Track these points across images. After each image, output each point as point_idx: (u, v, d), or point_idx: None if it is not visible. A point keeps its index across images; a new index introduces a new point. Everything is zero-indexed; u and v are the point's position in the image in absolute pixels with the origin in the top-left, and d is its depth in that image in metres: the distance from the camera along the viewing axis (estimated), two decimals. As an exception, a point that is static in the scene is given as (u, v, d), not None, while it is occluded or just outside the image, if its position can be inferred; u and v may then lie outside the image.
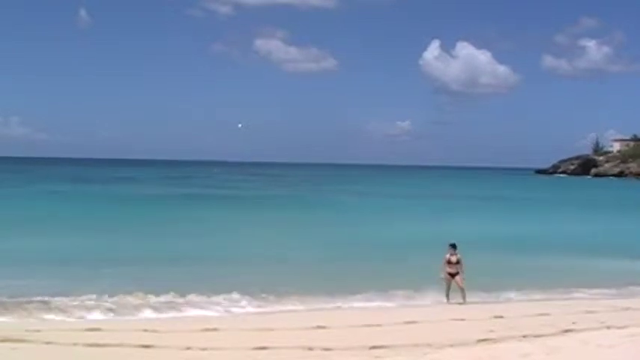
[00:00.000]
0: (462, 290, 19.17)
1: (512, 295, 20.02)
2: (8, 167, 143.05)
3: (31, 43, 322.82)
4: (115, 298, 17.59)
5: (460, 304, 18.75)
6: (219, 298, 18.04)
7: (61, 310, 16.47)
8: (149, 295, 17.97)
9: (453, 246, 19.53)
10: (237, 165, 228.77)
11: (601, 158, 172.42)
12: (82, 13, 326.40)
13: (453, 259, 19.27)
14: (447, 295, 19.26)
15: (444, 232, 24.46)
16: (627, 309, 17.82)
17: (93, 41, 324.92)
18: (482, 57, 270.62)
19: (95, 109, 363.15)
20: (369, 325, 15.54)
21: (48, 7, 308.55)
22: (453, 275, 19.27)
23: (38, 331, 14.51)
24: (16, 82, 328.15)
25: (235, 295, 18.34)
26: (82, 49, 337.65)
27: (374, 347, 12.98)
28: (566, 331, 14.66)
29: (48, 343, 13.39)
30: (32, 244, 27.76)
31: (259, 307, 17.73)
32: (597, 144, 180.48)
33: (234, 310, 17.35)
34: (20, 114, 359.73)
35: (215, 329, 15.06)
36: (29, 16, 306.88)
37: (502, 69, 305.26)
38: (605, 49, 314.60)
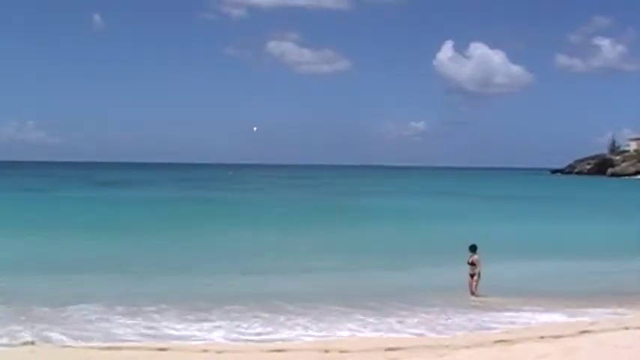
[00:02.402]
0: (473, 292, 19.28)
1: (530, 296, 19.80)
2: (23, 172, 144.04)
3: (46, 48, 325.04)
4: (131, 306, 17.46)
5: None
6: (236, 307, 17.68)
7: (75, 313, 16.46)
8: (163, 304, 17.74)
9: (471, 248, 19.62)
10: (251, 167, 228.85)
11: (617, 158, 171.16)
12: (96, 17, 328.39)
13: (469, 260, 19.44)
14: (472, 293, 19.34)
15: (469, 235, 24.12)
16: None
17: (107, 45, 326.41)
18: (496, 57, 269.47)
19: (108, 113, 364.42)
20: (384, 327, 15.53)
21: (62, 12, 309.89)
22: (472, 276, 19.41)
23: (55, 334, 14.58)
24: (30, 86, 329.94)
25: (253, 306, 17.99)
26: (96, 53, 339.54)
27: (390, 349, 12.95)
28: (584, 332, 14.56)
29: (64, 346, 13.47)
30: (45, 249, 27.85)
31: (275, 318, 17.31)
32: (614, 143, 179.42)
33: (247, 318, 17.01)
34: (35, 118, 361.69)
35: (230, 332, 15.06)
36: (44, 20, 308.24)
37: (516, 69, 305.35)
38: (620, 47, 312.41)
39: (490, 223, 41.81)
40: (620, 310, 17.45)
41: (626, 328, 14.79)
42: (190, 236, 34.25)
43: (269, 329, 15.32)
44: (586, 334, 14.24)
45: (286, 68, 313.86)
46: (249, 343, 14.13)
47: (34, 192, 72.61)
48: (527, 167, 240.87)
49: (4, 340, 13.83)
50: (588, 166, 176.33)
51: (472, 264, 19.43)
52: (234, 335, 14.80)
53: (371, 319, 16.24)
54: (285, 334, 14.97)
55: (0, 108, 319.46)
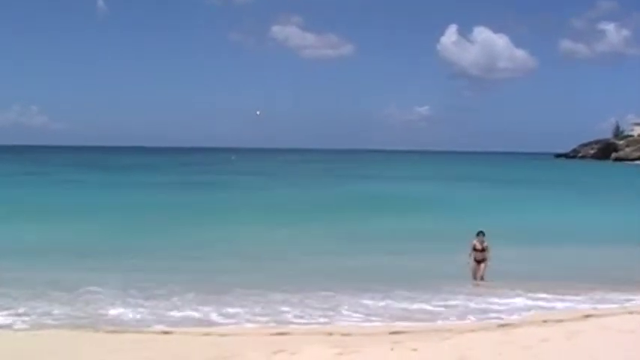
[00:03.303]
0: (481, 276, 19.28)
1: (533, 281, 19.77)
2: (26, 156, 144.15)
3: (49, 33, 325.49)
4: (137, 290, 17.51)
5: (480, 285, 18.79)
6: (236, 290, 17.71)
7: (78, 298, 16.51)
8: (169, 288, 17.76)
9: (481, 233, 19.60)
10: (254, 152, 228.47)
11: (621, 142, 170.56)
12: (100, 3, 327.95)
13: (479, 246, 19.39)
14: (474, 278, 19.35)
15: (476, 220, 24.09)
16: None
17: (110, 31, 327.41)
18: (500, 41, 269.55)
19: (111, 98, 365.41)
20: (388, 312, 15.56)
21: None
22: (479, 262, 19.40)
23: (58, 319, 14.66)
24: (34, 71, 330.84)
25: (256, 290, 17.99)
26: (100, 39, 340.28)
27: (394, 332, 12.99)
28: (587, 316, 14.59)
29: (72, 329, 13.52)
30: (49, 234, 27.86)
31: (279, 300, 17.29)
32: (617, 128, 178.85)
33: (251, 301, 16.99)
34: (38, 103, 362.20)
35: (234, 316, 15.11)
36: (47, 6, 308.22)
37: (520, 53, 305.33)
38: (624, 32, 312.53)
39: (495, 209, 41.71)
40: (623, 295, 17.45)
41: (630, 313, 14.82)
42: (196, 221, 34.16)
43: (273, 313, 15.35)
44: (589, 319, 14.26)
45: (290, 52, 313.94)
46: (253, 327, 14.17)
47: (36, 176, 72.69)
48: (530, 152, 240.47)
49: (10, 324, 13.94)
50: (592, 151, 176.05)
51: (482, 250, 19.40)
52: (238, 319, 14.84)
53: (375, 303, 16.26)
54: (288, 317, 15.01)
55: (3, 92, 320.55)
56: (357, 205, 44.69)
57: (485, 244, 19.45)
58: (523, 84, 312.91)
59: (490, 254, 19.38)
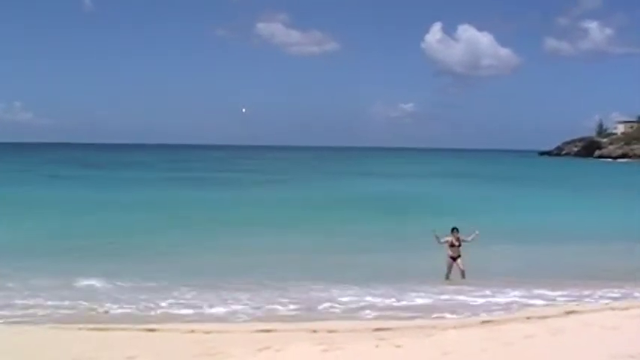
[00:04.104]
0: (462, 272, 19.32)
1: (516, 278, 19.88)
2: (12, 153, 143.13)
3: (34, 28, 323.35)
4: (121, 287, 17.55)
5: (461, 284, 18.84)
6: (221, 288, 17.72)
7: (64, 294, 16.48)
8: (156, 283, 17.84)
9: (455, 230, 19.65)
10: (240, 149, 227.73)
11: (605, 140, 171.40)
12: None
13: (456, 242, 19.43)
14: (447, 277, 19.37)
15: (455, 217, 24.18)
16: (630, 292, 17.78)
17: (96, 26, 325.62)
18: (484, 39, 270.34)
19: (97, 94, 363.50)
20: (372, 309, 15.62)
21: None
22: (454, 258, 19.44)
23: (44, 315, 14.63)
24: (18, 67, 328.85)
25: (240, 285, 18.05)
26: (85, 33, 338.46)
27: (378, 329, 13.01)
28: (570, 312, 14.66)
29: (53, 327, 13.48)
30: (37, 232, 27.78)
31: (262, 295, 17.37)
32: (601, 126, 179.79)
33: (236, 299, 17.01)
34: (23, 99, 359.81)
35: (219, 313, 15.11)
36: (32, 1, 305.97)
37: (504, 51, 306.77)
38: (608, 30, 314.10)
39: (481, 207, 41.79)
40: (605, 292, 17.57)
41: (612, 309, 14.91)
42: (184, 218, 34.18)
43: (258, 310, 15.40)
44: (572, 315, 14.33)
45: (276, 49, 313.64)
46: (238, 324, 14.18)
47: (25, 173, 72.41)
48: (514, 149, 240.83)
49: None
50: (576, 149, 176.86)
51: (459, 245, 19.46)
52: (223, 316, 14.87)
53: (360, 300, 16.33)
54: (273, 314, 15.04)
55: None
56: (344, 203, 44.74)
57: (461, 239, 19.54)
58: (507, 82, 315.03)
59: (467, 240, 19.43)
